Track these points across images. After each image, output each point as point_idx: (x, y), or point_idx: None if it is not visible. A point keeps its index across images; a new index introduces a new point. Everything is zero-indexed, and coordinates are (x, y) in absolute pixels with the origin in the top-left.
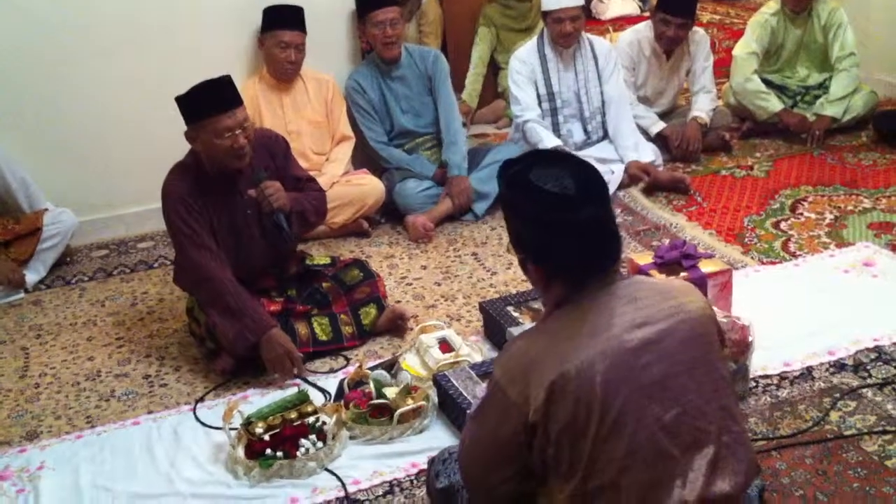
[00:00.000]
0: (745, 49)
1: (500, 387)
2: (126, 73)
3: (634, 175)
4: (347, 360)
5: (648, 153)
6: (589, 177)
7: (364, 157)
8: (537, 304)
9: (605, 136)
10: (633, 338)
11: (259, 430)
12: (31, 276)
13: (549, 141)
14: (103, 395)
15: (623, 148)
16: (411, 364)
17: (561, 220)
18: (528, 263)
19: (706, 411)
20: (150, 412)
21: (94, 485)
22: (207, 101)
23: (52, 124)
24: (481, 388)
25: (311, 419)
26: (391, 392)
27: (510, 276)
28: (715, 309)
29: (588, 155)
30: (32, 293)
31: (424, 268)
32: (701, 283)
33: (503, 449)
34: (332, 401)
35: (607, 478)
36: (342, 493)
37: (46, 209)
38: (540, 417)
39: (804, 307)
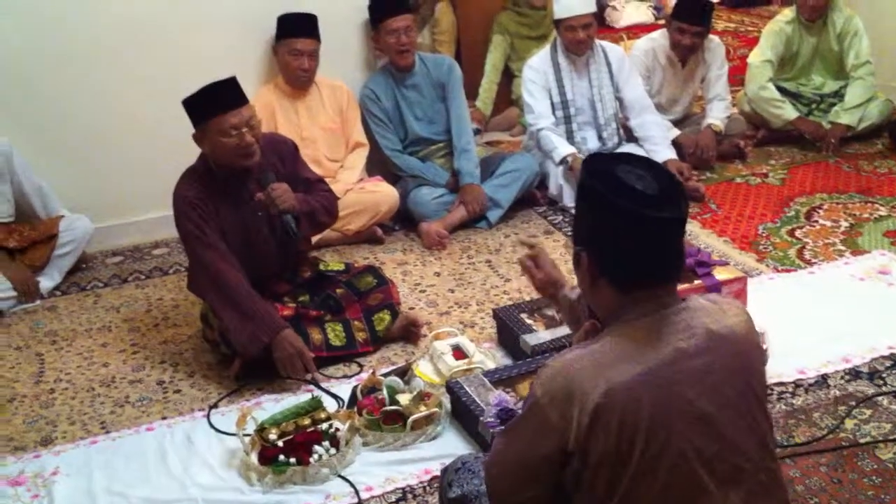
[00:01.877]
0: (761, 57)
1: (540, 406)
2: (141, 80)
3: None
4: (361, 366)
5: None
6: (672, 185)
7: (378, 165)
8: (551, 311)
9: (620, 142)
10: (681, 368)
11: (272, 436)
12: (47, 283)
13: (563, 149)
14: (118, 401)
15: (656, 147)
16: (424, 371)
17: (635, 214)
18: (583, 256)
19: (746, 447)
20: (164, 418)
21: (109, 490)
22: (212, 101)
23: (69, 131)
24: (494, 396)
25: (325, 425)
26: (404, 399)
27: (524, 284)
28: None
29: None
30: (48, 299)
31: (438, 275)
32: (715, 290)
33: (535, 469)
34: (345, 407)
35: None
36: (355, 500)
37: (62, 215)
38: (581, 443)
39: (819, 315)
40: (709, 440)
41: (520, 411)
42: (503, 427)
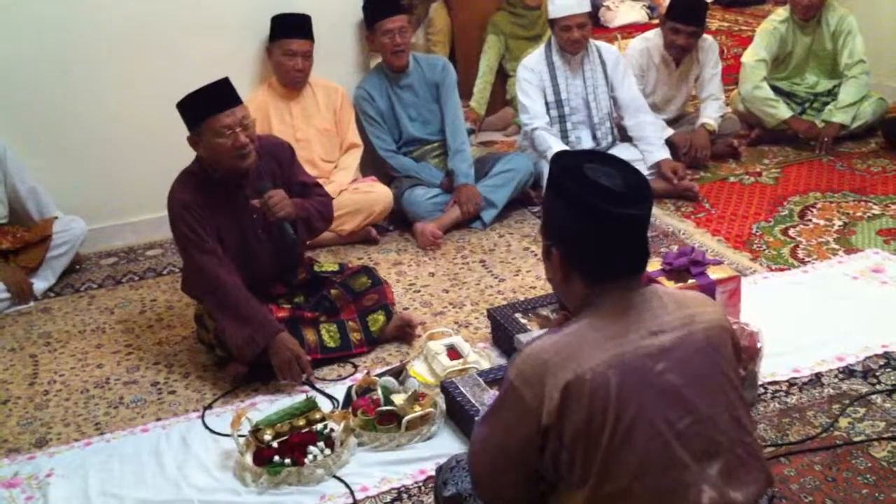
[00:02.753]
0: (754, 56)
1: (513, 388)
2: (134, 81)
3: (665, 174)
4: (355, 367)
5: None
6: (638, 182)
7: (372, 165)
8: (545, 311)
9: (614, 142)
10: (648, 345)
11: (267, 437)
12: (41, 284)
13: (557, 148)
14: (112, 403)
15: (650, 146)
16: (419, 371)
17: (603, 211)
18: (554, 251)
19: (718, 422)
20: (158, 419)
21: (103, 492)
22: (205, 102)
23: (62, 133)
24: (489, 395)
25: (320, 426)
26: (399, 399)
27: (518, 283)
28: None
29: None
30: (41, 301)
31: (432, 275)
32: (709, 289)
33: (515, 451)
34: (340, 408)
35: (620, 484)
36: (350, 500)
37: (56, 217)
38: (553, 421)
39: (813, 314)
40: (679, 412)
41: (494, 399)
42: (481, 416)
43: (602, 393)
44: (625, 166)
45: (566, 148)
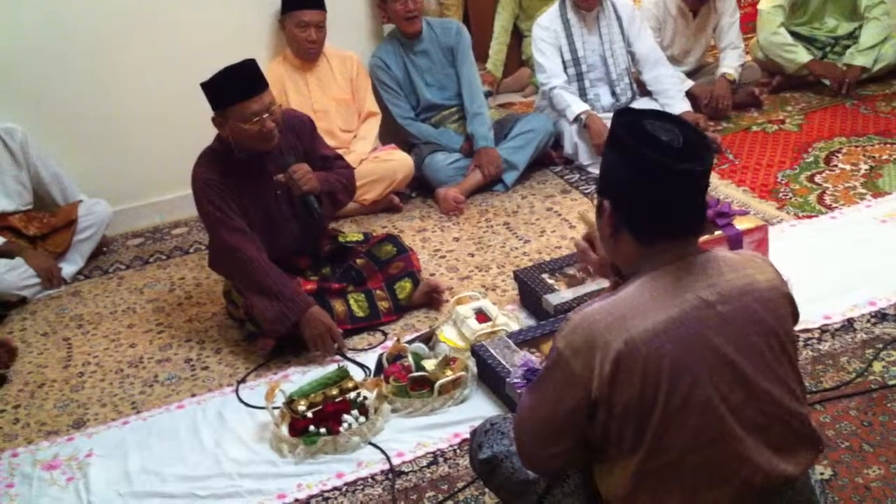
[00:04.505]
0: (771, 2)
1: (563, 358)
2: (149, 61)
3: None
4: (385, 334)
5: None
6: (698, 140)
7: (391, 133)
8: (572, 271)
9: (633, 97)
10: (704, 315)
11: (301, 407)
12: (69, 268)
13: (576, 106)
14: (147, 381)
15: (671, 100)
16: (448, 336)
17: (658, 164)
18: (606, 204)
19: (773, 394)
20: (193, 395)
21: (143, 469)
22: (233, 87)
23: (83, 117)
24: (519, 357)
25: (353, 395)
26: (430, 364)
27: (543, 244)
28: None
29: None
30: (71, 284)
31: (457, 240)
32: (736, 240)
33: (562, 422)
34: (371, 376)
35: (671, 457)
36: (387, 466)
37: (81, 201)
38: (605, 392)
39: (842, 259)
40: (735, 387)
41: (542, 369)
42: (529, 386)
43: (655, 366)
44: (685, 125)
45: (586, 106)
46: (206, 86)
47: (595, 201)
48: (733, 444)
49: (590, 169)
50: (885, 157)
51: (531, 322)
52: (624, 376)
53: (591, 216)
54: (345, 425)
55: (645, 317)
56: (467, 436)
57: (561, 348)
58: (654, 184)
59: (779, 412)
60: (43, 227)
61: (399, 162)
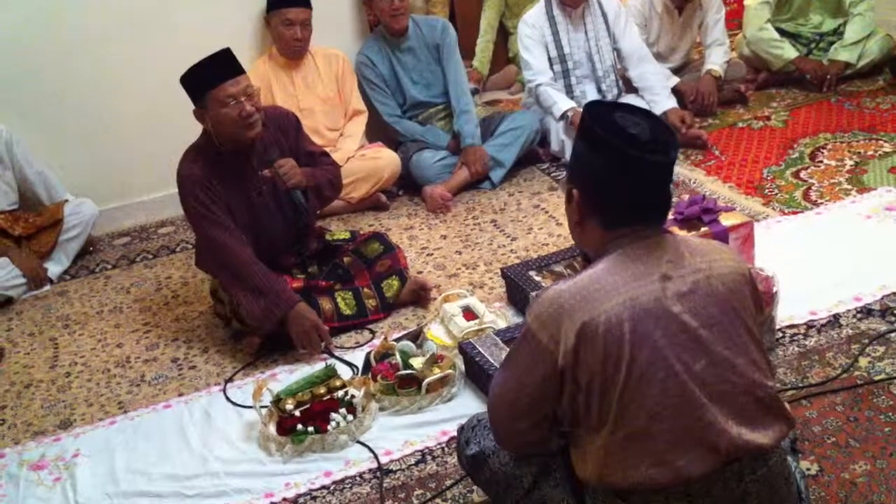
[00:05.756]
0: None
1: (531, 332)
2: (133, 59)
3: (674, 123)
4: (373, 333)
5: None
6: (665, 133)
7: (378, 131)
8: (559, 268)
9: (620, 93)
10: (664, 288)
11: (289, 406)
12: (55, 268)
13: (563, 103)
14: (134, 381)
15: (657, 96)
16: (436, 334)
17: (626, 155)
18: (575, 193)
19: (736, 364)
20: (180, 395)
21: (130, 469)
22: (208, 73)
23: (68, 116)
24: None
25: (340, 393)
26: (417, 362)
27: (530, 241)
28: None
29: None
30: (58, 284)
31: (444, 237)
32: (722, 236)
33: (532, 394)
34: (359, 374)
35: (638, 425)
36: (375, 465)
37: (66, 200)
38: (569, 362)
39: (828, 255)
40: (695, 353)
41: (513, 344)
42: (501, 362)
43: (616, 334)
44: (654, 118)
45: (572, 103)
46: (184, 78)
47: (564, 189)
48: (697, 410)
49: (569, 159)
50: (869, 152)
51: (519, 319)
52: (588, 347)
53: None
54: (332, 424)
55: (608, 292)
56: (455, 433)
57: (529, 322)
58: (622, 175)
59: (742, 381)
60: (28, 226)
61: (386, 160)
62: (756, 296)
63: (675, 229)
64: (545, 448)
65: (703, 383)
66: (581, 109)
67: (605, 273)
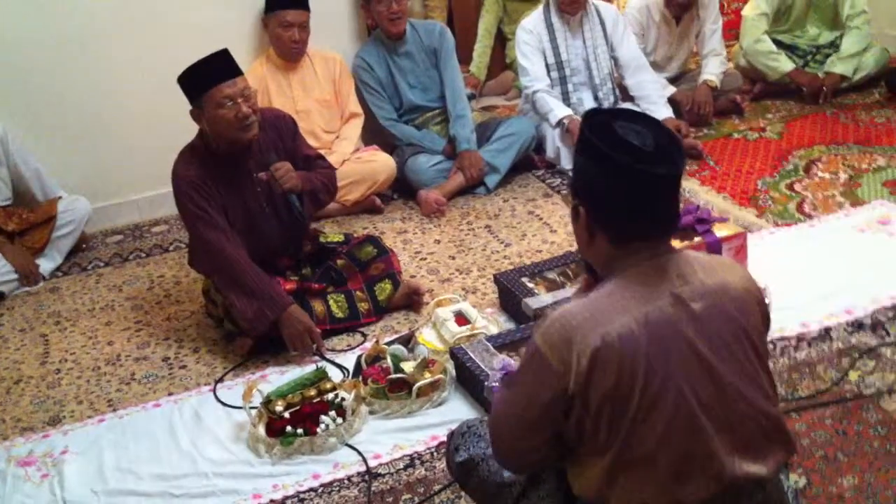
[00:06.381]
0: (755, 10)
1: (539, 353)
2: (132, 58)
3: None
4: (364, 336)
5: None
6: (669, 142)
7: (374, 134)
8: (552, 275)
9: (616, 102)
10: (677, 312)
11: (279, 408)
12: (47, 264)
13: (559, 110)
14: (124, 379)
15: (653, 105)
16: (428, 338)
17: (629, 169)
18: (581, 210)
19: (744, 392)
20: (170, 394)
21: (118, 467)
22: (206, 74)
23: (63, 113)
24: (498, 360)
25: (331, 396)
26: (408, 366)
27: (524, 248)
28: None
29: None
30: (49, 281)
31: (438, 242)
32: (715, 247)
33: (537, 417)
34: (350, 377)
35: (644, 451)
36: (363, 468)
37: (60, 197)
38: (581, 387)
39: (820, 268)
40: (706, 382)
41: (518, 365)
42: (504, 381)
43: (631, 358)
44: (657, 125)
45: (569, 111)
46: (181, 78)
47: (569, 205)
48: (703, 440)
49: (571, 173)
50: (864, 166)
51: (511, 325)
52: (600, 371)
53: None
54: (322, 426)
55: (621, 314)
56: (444, 439)
57: (538, 344)
58: (627, 188)
59: (749, 411)
60: (22, 222)
61: (381, 163)
62: (765, 312)
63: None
64: (548, 466)
65: (710, 412)
66: (577, 117)
67: (616, 292)
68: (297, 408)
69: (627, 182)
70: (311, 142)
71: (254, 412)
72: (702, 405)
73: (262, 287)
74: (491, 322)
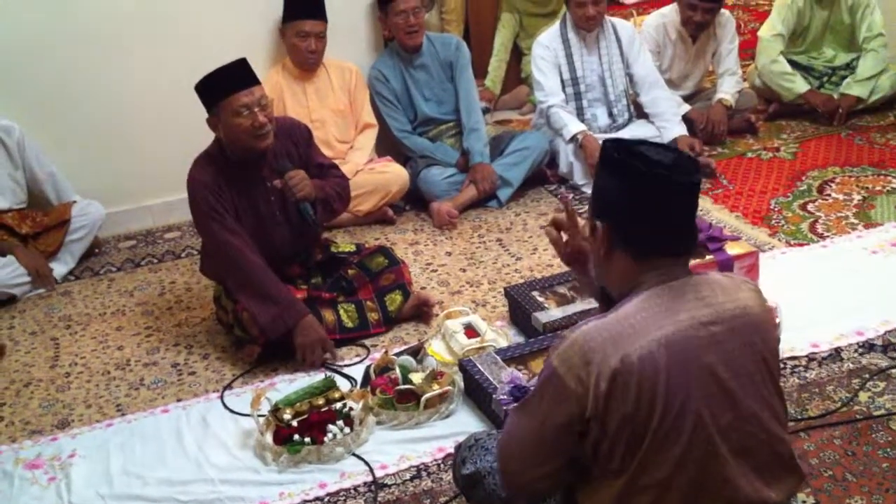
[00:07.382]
0: (771, 31)
1: (556, 375)
2: (150, 65)
3: (683, 150)
4: (373, 347)
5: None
6: (689, 165)
7: (387, 145)
8: (563, 289)
9: (630, 118)
10: (698, 335)
11: (287, 416)
12: (60, 268)
13: (573, 126)
14: (133, 384)
15: (667, 123)
16: (437, 350)
17: (653, 176)
18: (600, 226)
19: (760, 418)
20: (179, 400)
21: (125, 472)
22: (223, 82)
23: (79, 118)
24: (507, 374)
25: (338, 405)
26: (417, 378)
27: (535, 262)
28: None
29: (622, 136)
30: (61, 284)
31: (449, 254)
32: (727, 265)
33: (551, 439)
34: (358, 387)
35: (660, 475)
36: (370, 478)
37: (74, 201)
38: (600, 410)
39: (832, 288)
40: (724, 407)
41: (533, 387)
42: (517, 404)
43: (651, 383)
44: (679, 152)
45: (583, 126)
46: (199, 86)
47: (587, 224)
48: (719, 465)
49: (584, 188)
50: (878, 188)
51: (520, 339)
52: (619, 394)
53: (564, 214)
54: (329, 435)
55: (640, 336)
56: (452, 450)
57: (556, 365)
58: (650, 197)
59: (765, 437)
60: (35, 225)
61: (394, 174)
62: (776, 332)
63: None
64: (551, 495)
65: (727, 437)
66: (591, 133)
67: (635, 314)
68: (305, 416)
69: (649, 189)
70: (326, 151)
71: (261, 420)
72: (720, 430)
73: (280, 293)
74: (500, 335)
